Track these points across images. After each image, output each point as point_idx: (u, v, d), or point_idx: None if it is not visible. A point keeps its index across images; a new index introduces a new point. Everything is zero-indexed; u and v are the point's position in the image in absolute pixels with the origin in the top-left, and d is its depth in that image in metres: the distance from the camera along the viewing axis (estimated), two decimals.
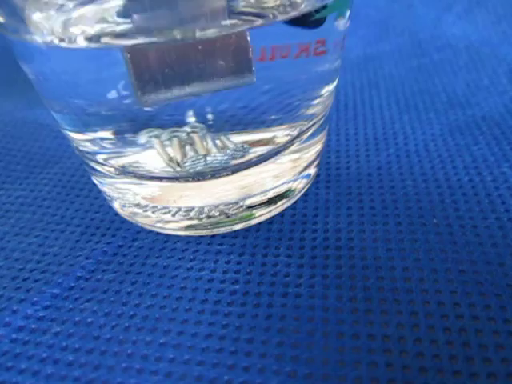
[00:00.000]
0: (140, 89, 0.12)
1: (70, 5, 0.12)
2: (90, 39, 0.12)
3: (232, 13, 0.12)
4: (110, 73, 0.12)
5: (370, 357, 0.11)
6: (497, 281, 0.13)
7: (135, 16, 0.11)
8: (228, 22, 0.11)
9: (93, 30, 0.12)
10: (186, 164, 0.13)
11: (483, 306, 0.12)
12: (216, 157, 0.13)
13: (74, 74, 0.12)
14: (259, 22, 0.12)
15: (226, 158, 0.13)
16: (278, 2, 0.12)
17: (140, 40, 0.11)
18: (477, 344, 0.11)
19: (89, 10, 0.12)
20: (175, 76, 0.11)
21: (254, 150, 0.13)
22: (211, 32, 0.11)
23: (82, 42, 0.12)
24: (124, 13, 0.11)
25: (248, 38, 0.11)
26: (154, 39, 0.11)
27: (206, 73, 0.12)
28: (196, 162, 0.13)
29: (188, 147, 0.13)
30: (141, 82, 0.11)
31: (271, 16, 0.12)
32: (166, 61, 0.11)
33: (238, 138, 0.13)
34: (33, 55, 0.13)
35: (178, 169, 0.13)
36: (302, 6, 0.12)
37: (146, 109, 0.12)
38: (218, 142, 0.13)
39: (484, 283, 0.12)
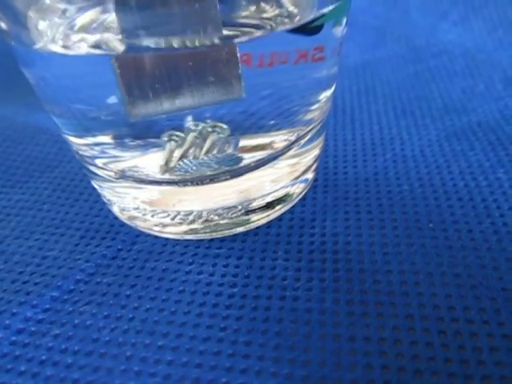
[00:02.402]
0: (130, 103, 0.12)
1: (73, 10, 0.12)
2: (90, 46, 0.12)
3: (231, 24, 0.12)
4: (110, 78, 0.12)
5: (366, 359, 0.11)
6: (491, 284, 0.13)
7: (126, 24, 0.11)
8: (222, 33, 0.11)
9: (93, 37, 0.12)
10: (176, 166, 0.13)
11: (478, 309, 0.12)
12: (205, 160, 0.13)
13: (75, 79, 0.13)
14: (257, 33, 0.12)
15: (215, 163, 0.13)
16: (276, 12, 0.12)
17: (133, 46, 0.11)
18: (472, 347, 0.11)
19: (90, 16, 0.12)
20: (165, 90, 0.12)
21: (247, 156, 0.14)
22: (204, 42, 0.11)
23: (82, 50, 0.12)
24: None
25: (238, 54, 0.12)
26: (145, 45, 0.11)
27: (196, 88, 0.12)
28: (187, 166, 0.13)
29: (178, 149, 0.13)
30: (131, 96, 0.12)
31: (269, 27, 0.12)
32: (156, 75, 0.11)
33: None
34: (34, 61, 0.13)
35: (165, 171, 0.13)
36: (298, 17, 0.12)
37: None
38: (216, 148, 0.13)
39: (479, 287, 0.13)
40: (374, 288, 0.13)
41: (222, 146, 0.13)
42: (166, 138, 0.13)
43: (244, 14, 0.12)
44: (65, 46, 0.12)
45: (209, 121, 0.13)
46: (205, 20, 0.11)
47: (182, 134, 0.13)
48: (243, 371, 0.11)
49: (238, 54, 0.11)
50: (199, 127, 0.13)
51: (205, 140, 0.13)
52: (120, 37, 0.11)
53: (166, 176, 0.13)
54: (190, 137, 0.13)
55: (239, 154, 0.13)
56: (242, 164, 0.14)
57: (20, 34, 0.12)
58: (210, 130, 0.13)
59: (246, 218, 0.15)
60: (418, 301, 0.12)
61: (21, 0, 0.12)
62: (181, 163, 0.13)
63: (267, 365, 0.11)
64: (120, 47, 0.11)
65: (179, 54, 0.11)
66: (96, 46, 0.12)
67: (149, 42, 0.11)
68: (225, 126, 0.13)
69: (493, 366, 0.11)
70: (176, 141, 0.13)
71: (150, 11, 0.11)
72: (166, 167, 0.13)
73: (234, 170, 0.13)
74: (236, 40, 0.12)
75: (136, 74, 0.11)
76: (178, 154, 0.13)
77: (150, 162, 0.13)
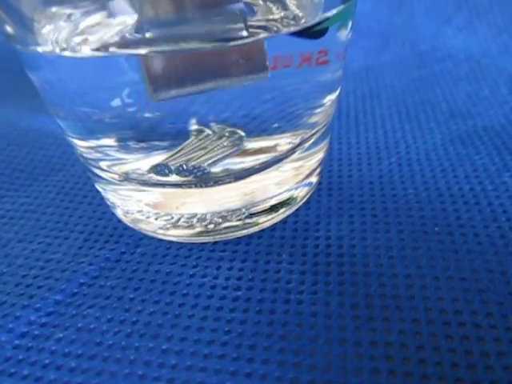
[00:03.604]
0: (152, 84, 0.12)
1: (78, 14, 0.12)
2: (95, 49, 0.12)
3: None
4: (114, 81, 0.12)
5: (372, 364, 0.11)
6: (499, 289, 0.13)
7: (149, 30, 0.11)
8: (245, 33, 0.11)
9: (97, 39, 0.12)
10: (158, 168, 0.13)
11: (485, 313, 0.12)
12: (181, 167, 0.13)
13: (80, 82, 0.13)
14: (263, 35, 0.12)
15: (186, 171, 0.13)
16: (282, 14, 0.12)
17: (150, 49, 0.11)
18: (479, 352, 0.11)
19: (96, 19, 0.12)
20: (188, 73, 0.11)
21: (251, 159, 0.13)
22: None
23: (87, 52, 0.12)
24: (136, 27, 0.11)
25: (267, 61, 0.12)
26: (165, 48, 0.11)
27: (220, 71, 0.12)
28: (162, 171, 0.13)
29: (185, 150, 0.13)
30: (153, 77, 0.11)
31: (275, 29, 0.12)
32: (179, 60, 0.11)
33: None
34: (40, 64, 0.13)
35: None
36: (303, 20, 0.12)
37: (147, 115, 0.12)
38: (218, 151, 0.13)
39: (486, 291, 0.13)
40: (379, 292, 0.13)
41: (226, 149, 0.13)
42: (194, 133, 0.13)
43: (257, 17, 0.12)
44: (70, 49, 0.12)
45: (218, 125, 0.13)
46: (229, 23, 0.11)
47: (210, 132, 0.13)
48: (248, 375, 0.11)
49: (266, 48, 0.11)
50: (217, 131, 0.13)
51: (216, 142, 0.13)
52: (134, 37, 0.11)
53: (171, 178, 0.13)
54: (214, 137, 0.13)
55: (208, 168, 0.13)
56: (245, 167, 0.13)
57: (25, 38, 0.12)
58: (226, 134, 0.13)
59: (250, 220, 0.15)
60: (425, 305, 0.12)
61: (27, 4, 0.12)
62: (166, 166, 0.13)
63: (272, 368, 0.11)
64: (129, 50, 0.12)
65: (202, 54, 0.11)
66: (100, 47, 0.12)
67: (170, 45, 0.11)
68: (242, 133, 0.13)
69: (500, 371, 0.11)
70: (200, 139, 0.13)
71: (173, 15, 0.11)
72: (156, 167, 0.13)
73: (202, 179, 0.13)
74: (262, 35, 0.11)
75: (158, 58, 0.11)
76: (183, 154, 0.13)
77: (150, 163, 0.13)
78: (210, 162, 0.13)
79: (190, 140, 0.13)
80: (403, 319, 0.12)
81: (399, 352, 0.11)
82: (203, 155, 0.13)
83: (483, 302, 0.12)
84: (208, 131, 0.13)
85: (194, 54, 0.11)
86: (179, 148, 0.13)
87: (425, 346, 0.11)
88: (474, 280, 0.13)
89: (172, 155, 0.13)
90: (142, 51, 0.11)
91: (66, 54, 0.12)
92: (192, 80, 0.12)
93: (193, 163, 0.13)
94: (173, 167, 0.13)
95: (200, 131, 0.13)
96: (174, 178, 0.13)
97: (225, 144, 0.13)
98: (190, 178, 0.13)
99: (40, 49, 0.12)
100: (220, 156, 0.13)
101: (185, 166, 0.13)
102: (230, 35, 0.11)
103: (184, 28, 0.11)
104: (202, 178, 0.13)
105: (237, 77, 0.12)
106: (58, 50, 0.12)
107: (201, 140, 0.13)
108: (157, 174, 0.13)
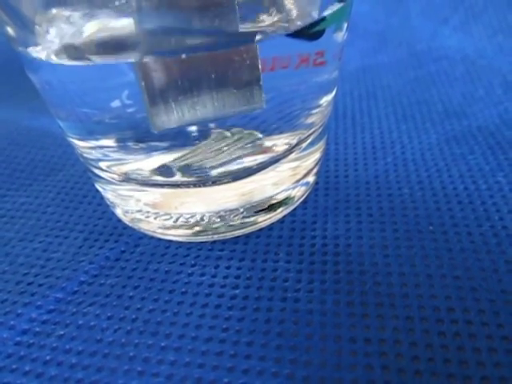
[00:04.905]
0: (154, 114, 0.12)
1: (77, 17, 0.12)
2: (96, 54, 0.12)
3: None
4: (114, 83, 0.12)
5: (366, 360, 0.11)
6: (491, 287, 0.13)
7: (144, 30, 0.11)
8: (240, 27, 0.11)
9: (99, 44, 0.13)
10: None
11: (477, 311, 0.12)
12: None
13: (81, 83, 0.13)
14: (260, 37, 0.12)
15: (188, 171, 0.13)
16: (275, 19, 0.13)
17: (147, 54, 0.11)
18: (471, 348, 0.11)
19: (98, 24, 0.12)
20: (187, 101, 0.12)
21: (249, 159, 0.14)
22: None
23: (89, 59, 0.12)
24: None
25: (259, 67, 0.12)
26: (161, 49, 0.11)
27: (217, 97, 0.12)
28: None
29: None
30: (154, 107, 0.12)
31: (270, 32, 0.12)
32: (179, 84, 0.12)
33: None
34: (40, 66, 0.13)
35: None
36: (299, 21, 0.13)
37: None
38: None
39: (478, 289, 0.13)
40: (374, 290, 0.13)
41: (243, 151, 0.13)
42: (213, 135, 0.13)
43: (250, 25, 0.13)
44: (76, 58, 0.12)
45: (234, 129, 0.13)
46: (222, 18, 0.11)
47: (228, 134, 0.13)
48: (245, 371, 0.11)
49: (260, 67, 0.12)
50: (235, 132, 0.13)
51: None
52: (134, 44, 0.12)
53: (175, 179, 0.13)
54: (230, 139, 0.13)
55: (210, 170, 0.13)
56: (242, 167, 0.14)
57: (27, 40, 0.13)
58: (244, 136, 0.13)
59: (248, 220, 0.15)
60: (418, 302, 0.13)
61: (28, 6, 0.12)
62: (168, 167, 0.13)
63: (269, 365, 0.11)
64: (133, 54, 0.12)
65: (200, 58, 0.12)
66: (106, 52, 0.12)
67: (168, 44, 0.11)
68: (260, 135, 0.13)
69: (492, 367, 0.11)
70: (219, 139, 0.13)
71: (169, 13, 0.11)
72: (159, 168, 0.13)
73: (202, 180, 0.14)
74: (257, 38, 0.12)
75: (159, 82, 0.12)
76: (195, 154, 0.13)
77: (154, 164, 0.13)
78: (223, 161, 0.13)
79: (207, 141, 0.13)
80: (397, 316, 0.12)
81: (393, 348, 0.11)
82: (217, 155, 0.13)
83: (475, 300, 0.12)
84: (227, 133, 0.13)
85: (193, 80, 0.12)
86: (194, 148, 0.13)
87: (418, 342, 0.12)
88: (467, 278, 0.13)
89: (185, 154, 0.13)
90: (136, 57, 0.12)
91: (66, 62, 0.12)
92: (191, 107, 0.12)
93: (200, 164, 0.13)
94: (174, 169, 0.13)
95: (220, 133, 0.13)
96: (177, 178, 0.14)
97: (241, 145, 0.13)
98: (192, 179, 0.13)
99: (42, 55, 0.12)
100: (235, 156, 0.13)
101: (187, 169, 0.13)
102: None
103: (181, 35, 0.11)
104: (203, 179, 0.13)
105: (232, 102, 0.12)
106: (56, 58, 0.12)
107: (219, 141, 0.13)
108: (161, 174, 0.13)
